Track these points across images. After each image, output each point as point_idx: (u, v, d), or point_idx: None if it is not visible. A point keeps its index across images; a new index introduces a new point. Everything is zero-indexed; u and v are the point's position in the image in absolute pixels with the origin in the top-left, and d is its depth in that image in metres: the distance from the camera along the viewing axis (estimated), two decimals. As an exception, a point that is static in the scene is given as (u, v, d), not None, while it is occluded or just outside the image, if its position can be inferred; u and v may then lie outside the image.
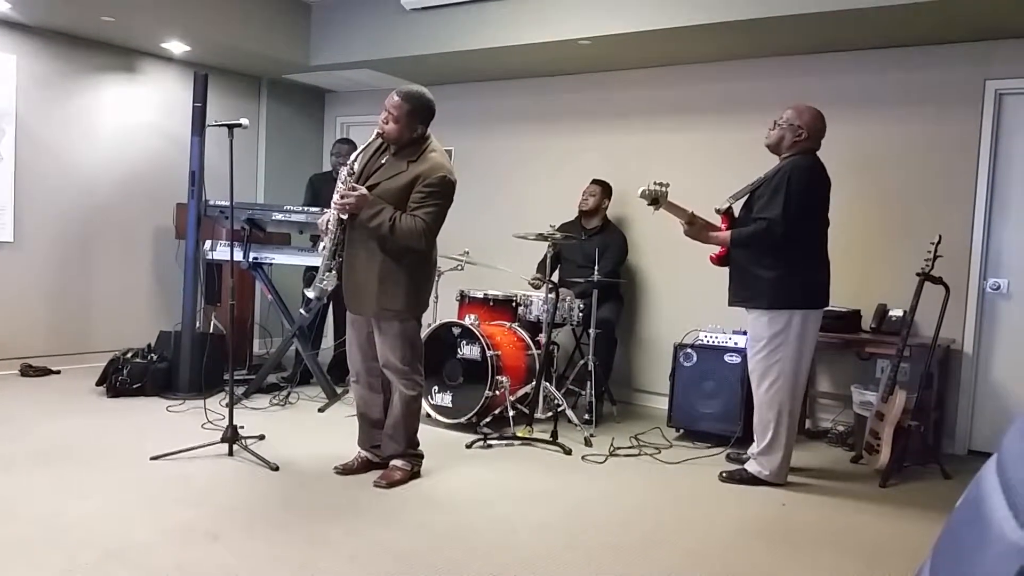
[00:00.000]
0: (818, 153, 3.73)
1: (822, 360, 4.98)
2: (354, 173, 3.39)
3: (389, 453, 3.60)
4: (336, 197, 3.34)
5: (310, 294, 3.56)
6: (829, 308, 4.55)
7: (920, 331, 4.46)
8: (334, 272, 3.43)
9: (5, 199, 5.40)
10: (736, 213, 3.83)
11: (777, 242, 3.55)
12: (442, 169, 3.35)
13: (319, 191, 5.72)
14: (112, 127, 5.97)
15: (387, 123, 3.34)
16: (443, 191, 3.34)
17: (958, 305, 4.48)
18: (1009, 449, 0.77)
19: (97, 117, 5.88)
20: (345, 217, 3.34)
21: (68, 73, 5.70)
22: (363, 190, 3.30)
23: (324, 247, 3.43)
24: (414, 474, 3.60)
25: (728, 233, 3.72)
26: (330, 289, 3.47)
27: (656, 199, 3.67)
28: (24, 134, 5.49)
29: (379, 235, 3.29)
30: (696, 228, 3.77)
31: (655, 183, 3.67)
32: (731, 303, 3.82)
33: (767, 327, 3.64)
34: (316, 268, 5.15)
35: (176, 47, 5.86)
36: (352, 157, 3.44)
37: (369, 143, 3.46)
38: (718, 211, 3.82)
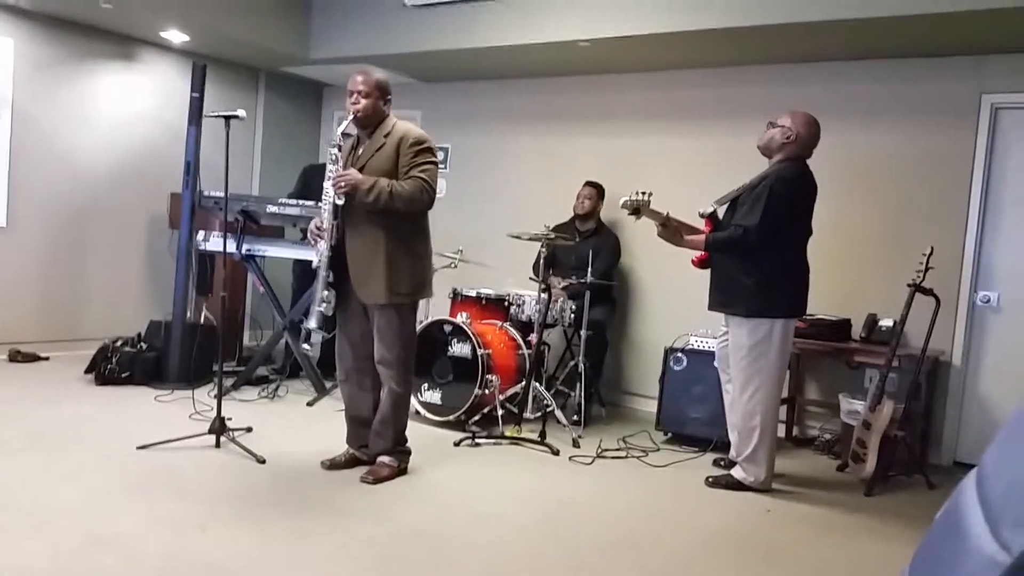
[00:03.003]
0: (811, 161, 3.74)
1: (810, 368, 5.00)
2: (337, 160, 3.39)
3: (377, 450, 3.59)
4: (328, 184, 3.34)
5: (311, 325, 3.43)
6: (819, 316, 4.60)
7: (910, 342, 4.48)
8: (332, 292, 3.39)
9: (-2, 183, 5.39)
10: (720, 216, 3.84)
11: (750, 250, 3.57)
12: (417, 130, 3.47)
13: (311, 182, 5.71)
14: (109, 115, 5.94)
15: (358, 102, 3.38)
16: (429, 147, 3.44)
17: (948, 317, 4.51)
18: (988, 465, 0.78)
19: (94, 104, 5.86)
20: (341, 203, 3.31)
21: (65, 59, 5.68)
22: (353, 171, 3.32)
23: (323, 255, 3.37)
24: (401, 471, 3.60)
25: (702, 237, 3.73)
26: (330, 313, 3.41)
27: (638, 209, 3.69)
28: (19, 119, 5.46)
29: (382, 209, 3.29)
30: (670, 231, 3.76)
31: (637, 193, 3.68)
32: (711, 308, 3.83)
33: (748, 336, 3.65)
34: (304, 261, 5.09)
35: (175, 36, 5.84)
36: (334, 141, 3.43)
37: (346, 127, 3.44)
38: (702, 215, 3.82)
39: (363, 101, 3.38)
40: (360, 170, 3.36)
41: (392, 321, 3.44)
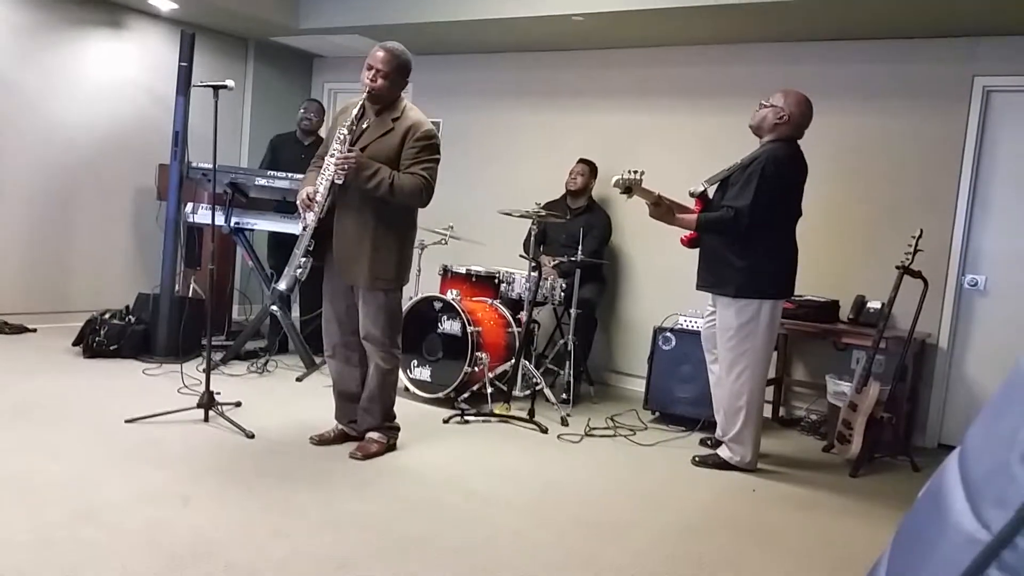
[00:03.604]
0: (802, 141, 3.73)
1: (798, 348, 5.02)
2: (346, 139, 3.29)
3: (365, 427, 3.59)
4: (331, 163, 3.27)
5: (281, 286, 3.45)
6: (808, 297, 4.62)
7: (897, 324, 4.50)
8: (309, 260, 3.35)
9: (-17, 153, 5.31)
10: (711, 195, 3.83)
11: (740, 232, 3.57)
12: (427, 123, 3.38)
13: (278, 152, 5.66)
14: (95, 83, 5.86)
15: (375, 80, 3.28)
16: (435, 145, 3.38)
17: (935, 300, 4.53)
18: (971, 443, 0.78)
19: (80, 72, 5.77)
20: (340, 183, 3.25)
21: (51, 25, 5.58)
22: (358, 153, 3.25)
23: (308, 224, 3.33)
24: (390, 447, 3.61)
25: (694, 217, 3.72)
26: (304, 278, 3.39)
27: (629, 187, 3.67)
28: (3, 87, 5.37)
29: (378, 197, 3.25)
30: (661, 210, 3.75)
31: (629, 172, 3.66)
32: (698, 287, 3.84)
33: (735, 316, 3.66)
34: (282, 234, 5.03)
35: (163, 3, 5.75)
36: (347, 123, 3.31)
37: (360, 106, 3.35)
38: (692, 194, 3.81)
39: (380, 81, 3.28)
40: (363, 149, 3.29)
41: (377, 297, 3.42)
